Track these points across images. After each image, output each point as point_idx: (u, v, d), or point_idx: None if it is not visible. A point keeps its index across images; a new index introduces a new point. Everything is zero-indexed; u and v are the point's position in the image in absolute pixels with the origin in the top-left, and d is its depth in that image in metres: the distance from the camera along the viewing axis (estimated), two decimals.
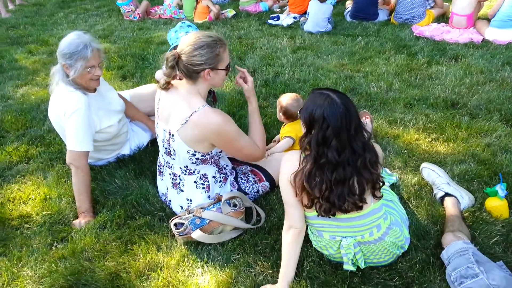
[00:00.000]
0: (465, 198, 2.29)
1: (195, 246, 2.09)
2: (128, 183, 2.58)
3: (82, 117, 2.38)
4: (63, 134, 2.53)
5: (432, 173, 2.46)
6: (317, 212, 1.80)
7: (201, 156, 2.13)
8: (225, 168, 2.33)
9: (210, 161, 2.20)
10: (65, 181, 2.63)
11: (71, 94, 2.40)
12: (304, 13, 5.71)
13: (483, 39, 4.70)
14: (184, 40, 2.01)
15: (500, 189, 2.22)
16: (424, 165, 2.53)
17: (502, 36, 4.59)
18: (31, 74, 4.51)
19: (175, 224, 2.10)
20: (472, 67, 4.00)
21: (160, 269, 1.97)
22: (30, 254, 2.10)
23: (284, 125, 2.73)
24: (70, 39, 2.38)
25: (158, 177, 2.45)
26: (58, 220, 2.33)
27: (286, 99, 2.67)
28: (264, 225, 2.19)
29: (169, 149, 2.19)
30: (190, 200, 2.27)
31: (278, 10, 6.47)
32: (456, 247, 1.82)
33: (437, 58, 4.26)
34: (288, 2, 6.25)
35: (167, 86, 2.11)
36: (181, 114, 2.04)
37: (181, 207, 2.29)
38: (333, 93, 1.71)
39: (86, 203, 2.36)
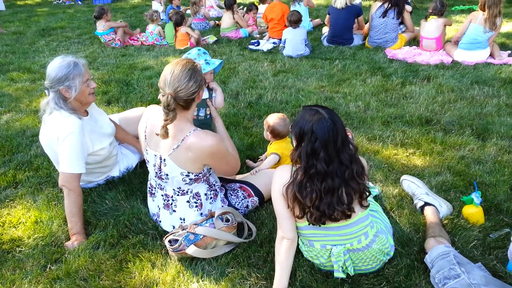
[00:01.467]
0: (444, 207, 2.43)
1: (189, 262, 2.14)
2: (119, 204, 2.62)
3: (75, 140, 2.44)
4: (55, 158, 2.57)
5: (411, 184, 2.60)
6: (308, 221, 1.90)
7: (195, 176, 2.21)
8: (214, 185, 2.41)
9: (202, 179, 2.28)
10: (56, 204, 2.65)
11: (66, 119, 2.46)
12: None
13: (453, 60, 4.99)
14: (169, 77, 2.02)
15: (475, 197, 2.36)
16: (404, 177, 2.68)
17: (470, 57, 4.89)
18: (14, 101, 4.52)
19: (169, 241, 2.15)
20: (444, 86, 4.25)
21: (156, 285, 2.01)
22: (23, 276, 2.11)
23: (270, 143, 2.85)
24: (58, 64, 2.44)
25: (149, 198, 2.50)
26: (51, 242, 2.34)
27: (273, 119, 2.79)
28: (256, 239, 2.27)
29: (160, 173, 2.25)
30: (184, 220, 2.33)
31: (258, 36, 6.70)
32: (438, 250, 1.94)
33: (410, 79, 4.50)
34: (267, 28, 6.49)
35: (167, 134, 2.05)
36: (172, 139, 2.10)
37: (173, 227, 2.35)
38: (322, 109, 1.84)
39: (78, 224, 2.39)
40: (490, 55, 4.94)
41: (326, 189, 1.82)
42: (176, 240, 2.14)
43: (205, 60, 2.59)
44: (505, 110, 3.67)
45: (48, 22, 8.94)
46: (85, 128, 2.54)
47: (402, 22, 5.71)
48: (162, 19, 7.76)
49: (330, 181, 1.82)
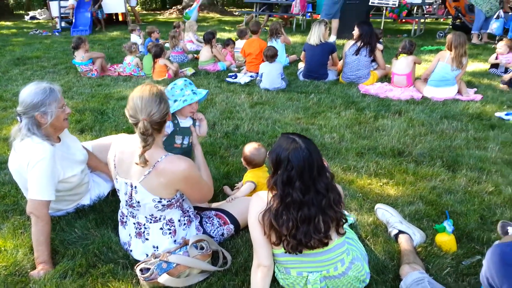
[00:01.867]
0: (417, 235, 2.45)
1: None
2: (88, 232, 2.53)
3: (46, 167, 2.37)
4: (24, 185, 2.49)
5: (385, 213, 2.63)
6: (284, 249, 1.88)
7: (167, 202, 2.17)
8: (188, 211, 2.37)
9: (175, 204, 2.24)
10: (22, 232, 2.54)
11: (37, 145, 2.39)
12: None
13: (422, 96, 5.19)
14: (139, 104, 2.01)
15: (448, 225, 2.40)
16: (378, 206, 2.71)
17: (439, 94, 5.10)
18: None
19: (141, 270, 2.08)
20: (414, 120, 4.39)
21: None
22: None
23: (247, 172, 2.85)
24: (33, 90, 2.40)
25: (121, 227, 2.43)
26: (14, 272, 2.22)
27: (248, 148, 2.83)
28: (231, 267, 2.22)
29: (131, 201, 2.20)
30: (157, 248, 2.27)
31: (235, 69, 6.81)
32: (413, 277, 1.94)
33: (382, 113, 4.64)
34: (245, 62, 6.62)
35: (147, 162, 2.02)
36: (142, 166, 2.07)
37: (147, 255, 2.27)
38: (299, 137, 1.86)
39: (45, 253, 2.28)
40: (458, 92, 5.17)
41: (302, 218, 1.83)
42: (148, 269, 2.07)
43: (192, 90, 2.62)
44: (473, 144, 3.80)
45: (24, 51, 8.86)
46: (57, 155, 2.48)
47: (374, 60, 5.93)
48: (140, 52, 7.81)
49: (307, 210, 1.83)
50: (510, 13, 8.51)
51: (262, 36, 7.13)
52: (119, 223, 2.43)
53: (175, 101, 2.58)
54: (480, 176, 3.20)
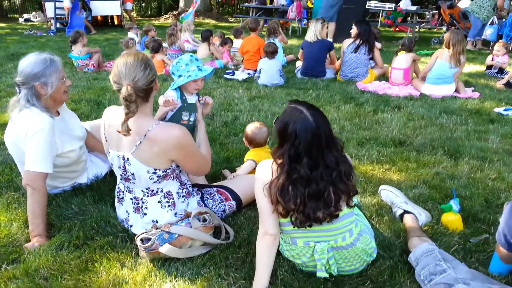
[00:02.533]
0: (423, 215, 2.41)
1: (162, 262, 1.99)
2: (85, 208, 2.46)
3: (44, 138, 2.30)
4: (20, 158, 2.40)
5: (390, 194, 2.58)
6: (292, 224, 1.82)
7: (162, 172, 2.09)
8: (186, 184, 2.30)
9: (171, 175, 2.16)
10: (16, 207, 2.46)
11: (36, 116, 2.32)
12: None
13: (421, 93, 5.20)
14: (123, 69, 1.94)
15: (454, 203, 2.36)
16: (382, 187, 2.66)
17: (437, 91, 5.11)
18: None
19: (141, 240, 2.01)
20: (414, 114, 4.38)
21: (126, 284, 1.85)
22: None
23: (248, 151, 2.80)
24: (33, 60, 2.34)
25: (117, 204, 2.35)
26: (8, 244, 2.13)
27: (250, 128, 2.79)
28: (234, 241, 2.15)
29: (126, 174, 2.13)
30: (156, 221, 2.20)
31: (233, 67, 6.79)
32: (422, 248, 1.89)
33: (381, 107, 4.62)
34: (242, 60, 6.60)
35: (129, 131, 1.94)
36: (132, 136, 1.99)
37: (146, 230, 2.20)
38: (306, 108, 1.77)
39: (41, 226, 2.20)
40: (455, 91, 5.18)
41: (310, 194, 1.76)
42: (149, 239, 1.99)
43: (197, 66, 2.56)
44: (473, 135, 3.79)
45: (18, 48, 8.77)
46: (56, 128, 2.41)
47: (371, 58, 5.95)
48: (137, 50, 7.77)
49: (315, 185, 1.76)
50: (503, 20, 8.63)
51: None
52: (116, 200, 2.35)
53: (180, 76, 2.53)
54: (482, 164, 3.18)
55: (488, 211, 2.52)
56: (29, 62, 2.34)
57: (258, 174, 1.92)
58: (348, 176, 1.82)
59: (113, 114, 2.12)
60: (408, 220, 2.35)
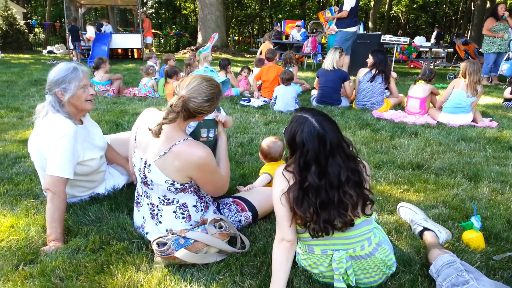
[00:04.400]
0: (443, 233, 2.35)
1: (177, 268, 1.96)
2: (102, 216, 2.47)
3: (68, 144, 2.35)
4: (42, 164, 2.45)
5: (409, 211, 2.54)
6: (310, 234, 1.79)
7: (180, 186, 2.10)
8: (205, 197, 2.29)
9: (189, 189, 2.17)
10: (35, 213, 2.48)
11: (61, 122, 2.40)
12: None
13: (437, 122, 5.18)
14: (192, 85, 2.00)
15: (475, 220, 2.31)
16: (401, 204, 2.62)
17: (454, 120, 5.10)
18: None
19: (157, 244, 2.00)
20: (431, 140, 4.36)
21: (141, 287, 1.82)
22: None
23: (264, 165, 2.81)
24: (59, 68, 2.46)
25: (135, 208, 2.36)
26: (26, 246, 2.14)
27: (266, 142, 2.82)
28: (250, 250, 2.12)
29: (145, 179, 2.15)
30: None
31: (248, 95, 6.89)
32: (443, 259, 1.84)
33: (398, 134, 4.61)
34: (259, 86, 6.71)
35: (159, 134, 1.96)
36: (160, 145, 2.03)
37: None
38: (312, 115, 1.76)
39: (58, 231, 2.21)
40: (473, 120, 5.16)
41: (321, 202, 1.74)
42: (165, 244, 1.98)
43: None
44: (492, 161, 3.74)
45: (41, 75, 9.08)
46: (79, 135, 2.47)
47: (387, 88, 5.99)
48: (155, 78, 7.97)
49: (324, 193, 1.74)
50: None
51: None
52: (134, 205, 2.36)
53: None
54: (503, 187, 3.12)
55: (511, 231, 2.45)
56: (54, 70, 2.46)
57: (276, 182, 1.92)
58: (359, 182, 1.79)
59: (151, 116, 2.16)
60: (428, 237, 2.29)
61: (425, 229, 2.36)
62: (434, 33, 17.20)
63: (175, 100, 1.94)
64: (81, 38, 13.04)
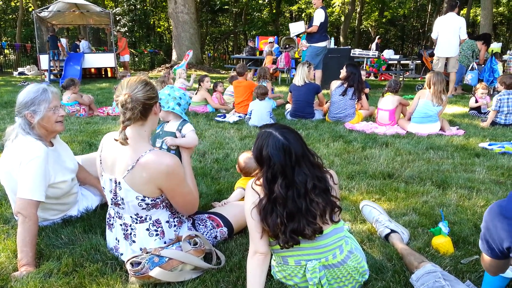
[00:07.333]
0: (405, 234, 2.47)
1: (152, 287, 1.96)
2: (75, 238, 2.43)
3: (39, 166, 2.32)
4: (13, 188, 2.41)
5: (373, 210, 2.61)
6: (280, 245, 1.83)
7: (151, 201, 2.09)
8: (177, 212, 2.29)
9: (161, 205, 2.16)
10: (5, 238, 2.42)
11: (32, 144, 2.37)
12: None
13: (407, 132, 5.34)
14: (125, 84, 2.04)
15: (443, 226, 2.39)
16: (365, 202, 2.69)
17: (423, 130, 5.26)
18: None
19: (131, 264, 1.99)
20: (401, 150, 4.48)
21: None
22: None
23: (239, 180, 2.85)
24: (28, 90, 2.45)
25: (108, 230, 2.34)
26: None
27: (242, 157, 2.85)
28: (225, 265, 2.14)
29: (116, 199, 2.13)
30: None
31: (223, 111, 6.93)
32: (425, 269, 1.91)
33: (370, 144, 4.73)
34: (233, 103, 6.77)
35: (126, 139, 2.00)
36: (127, 160, 2.03)
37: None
38: (275, 129, 1.84)
39: (29, 255, 2.16)
40: (441, 129, 5.33)
41: (288, 213, 1.79)
42: (139, 263, 1.98)
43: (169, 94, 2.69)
44: (460, 168, 3.87)
45: (12, 97, 8.87)
46: (50, 157, 2.44)
47: (358, 100, 6.13)
48: None
49: (291, 204, 1.79)
50: (482, 65, 9.04)
51: None
52: (107, 227, 2.34)
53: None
54: (470, 193, 3.23)
55: (477, 234, 2.53)
56: (23, 92, 2.44)
57: (246, 195, 1.95)
58: (326, 189, 1.85)
59: (111, 138, 2.16)
60: (396, 240, 2.37)
61: (392, 231, 2.44)
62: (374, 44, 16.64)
63: (122, 99, 1.96)
64: (58, 46, 12.90)
